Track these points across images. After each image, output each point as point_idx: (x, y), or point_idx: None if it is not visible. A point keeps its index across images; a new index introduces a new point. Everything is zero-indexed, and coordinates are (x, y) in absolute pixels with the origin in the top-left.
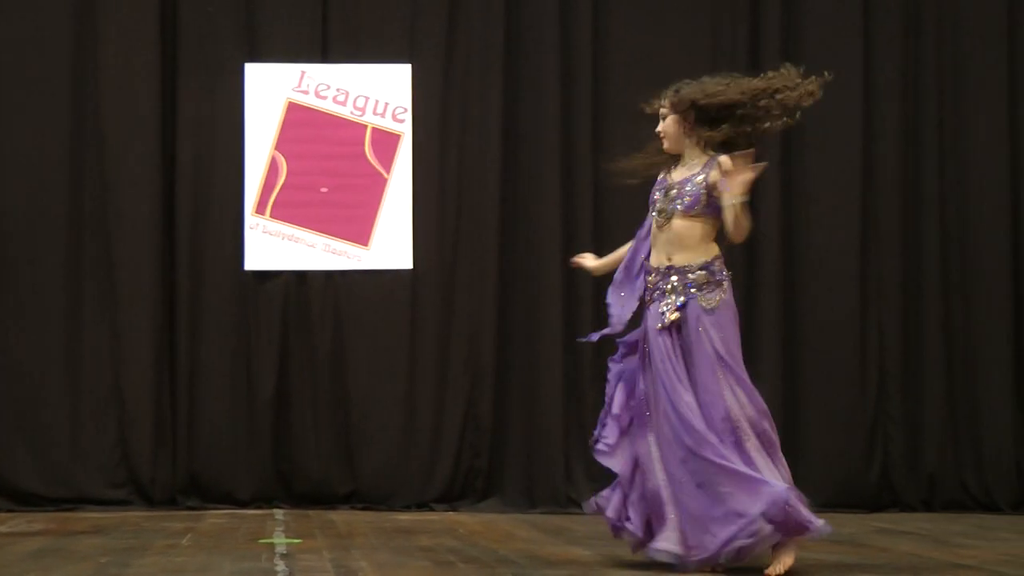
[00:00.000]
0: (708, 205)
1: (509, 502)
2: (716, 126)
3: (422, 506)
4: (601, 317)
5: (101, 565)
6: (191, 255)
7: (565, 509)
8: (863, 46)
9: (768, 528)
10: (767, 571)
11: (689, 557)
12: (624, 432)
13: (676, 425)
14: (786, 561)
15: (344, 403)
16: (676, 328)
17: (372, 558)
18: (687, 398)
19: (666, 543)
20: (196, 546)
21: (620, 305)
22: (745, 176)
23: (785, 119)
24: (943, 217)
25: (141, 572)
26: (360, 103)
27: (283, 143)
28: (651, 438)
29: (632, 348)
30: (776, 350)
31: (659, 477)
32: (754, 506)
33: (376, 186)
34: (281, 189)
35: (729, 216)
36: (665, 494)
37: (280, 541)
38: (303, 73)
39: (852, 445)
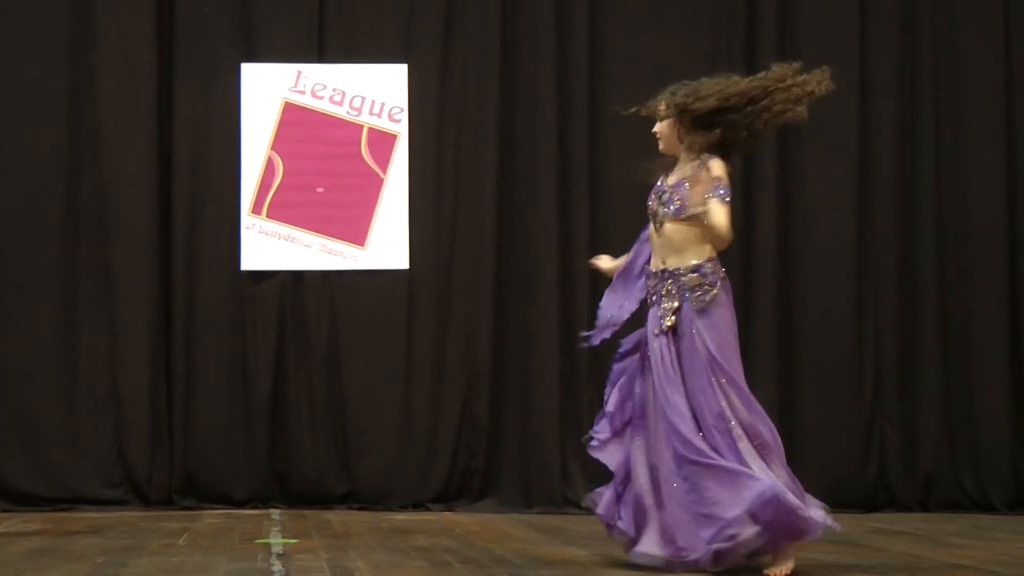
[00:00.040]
0: None
1: (505, 502)
2: (710, 129)
3: (418, 506)
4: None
5: (97, 565)
6: (187, 255)
7: (561, 509)
8: (859, 44)
9: (751, 530)
10: (766, 571)
11: (678, 558)
12: (618, 431)
13: (667, 429)
14: (787, 563)
15: (340, 403)
16: (673, 332)
17: (368, 558)
18: (678, 403)
19: (646, 546)
20: (192, 546)
21: (617, 306)
22: (691, 191)
23: (792, 111)
24: (939, 215)
25: (137, 572)
26: (356, 103)
27: (279, 143)
28: (639, 442)
29: (634, 348)
30: (772, 349)
31: (642, 482)
32: (733, 508)
33: (372, 186)
34: (277, 189)
35: (704, 222)
36: (648, 500)
37: (276, 541)
38: (299, 73)
39: (848, 445)
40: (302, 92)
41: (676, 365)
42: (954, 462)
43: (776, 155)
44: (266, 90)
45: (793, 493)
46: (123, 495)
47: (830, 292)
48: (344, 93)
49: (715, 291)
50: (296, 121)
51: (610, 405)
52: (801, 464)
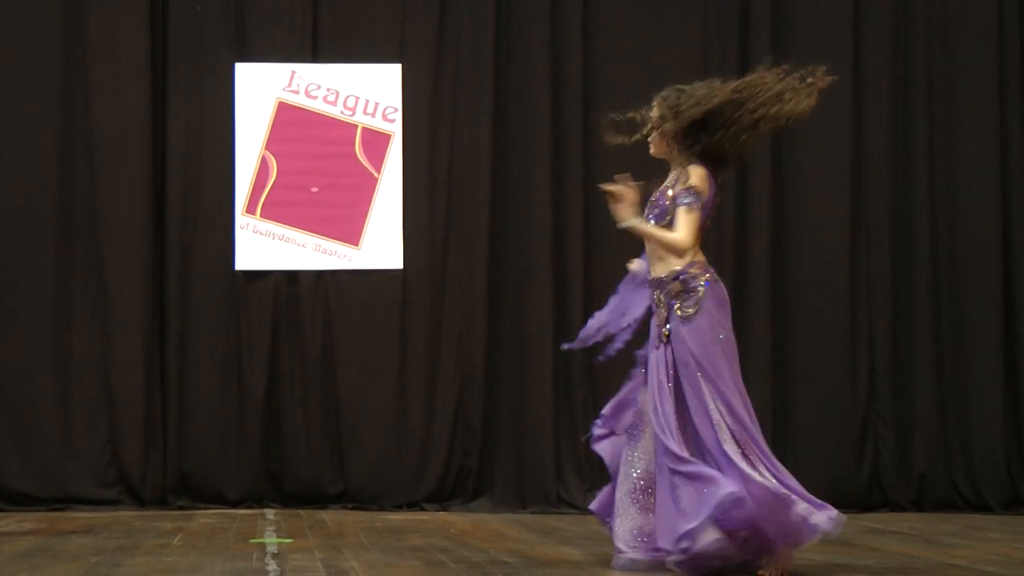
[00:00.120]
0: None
1: (499, 502)
2: (697, 138)
3: (413, 506)
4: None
5: (91, 565)
6: (181, 255)
7: (555, 509)
8: (853, 46)
9: (710, 536)
10: (759, 572)
11: (657, 560)
12: (614, 431)
13: (657, 437)
14: (781, 566)
15: (334, 403)
16: (667, 340)
17: (363, 558)
18: (669, 413)
19: (625, 546)
20: (187, 546)
21: (618, 314)
22: (614, 206)
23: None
24: (933, 216)
25: (132, 572)
26: (350, 103)
27: (273, 143)
28: (632, 448)
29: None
30: (766, 350)
31: (622, 491)
32: (695, 517)
33: (366, 186)
34: (271, 189)
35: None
36: (621, 507)
37: (271, 541)
38: (293, 73)
39: (842, 445)
40: (296, 92)
41: (670, 374)
42: (948, 462)
43: (770, 156)
44: (260, 90)
45: (779, 495)
46: (117, 495)
47: (824, 293)
48: (338, 93)
49: (699, 296)
50: (290, 121)
51: (606, 408)
52: (796, 464)
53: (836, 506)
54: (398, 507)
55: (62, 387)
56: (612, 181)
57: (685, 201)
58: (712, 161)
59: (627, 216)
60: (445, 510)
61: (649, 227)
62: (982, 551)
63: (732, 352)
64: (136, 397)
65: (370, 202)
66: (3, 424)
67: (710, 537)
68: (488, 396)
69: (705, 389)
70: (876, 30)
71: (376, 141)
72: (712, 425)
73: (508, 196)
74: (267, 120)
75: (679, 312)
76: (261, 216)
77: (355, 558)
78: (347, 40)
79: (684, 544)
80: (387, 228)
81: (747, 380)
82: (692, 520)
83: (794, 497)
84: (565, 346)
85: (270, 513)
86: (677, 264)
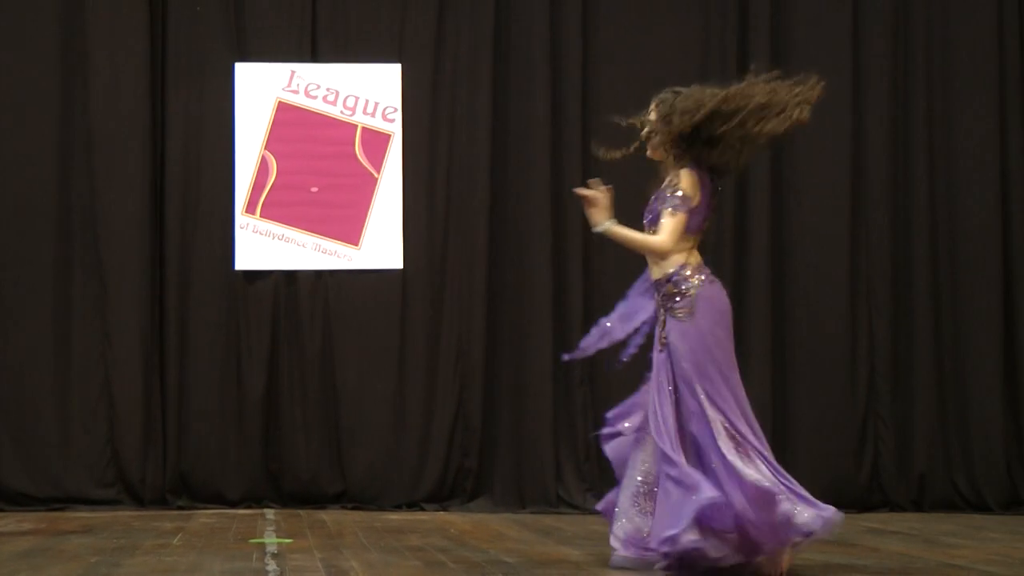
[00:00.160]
0: None
1: (499, 502)
2: (685, 148)
3: (412, 506)
4: (591, 318)
5: (91, 565)
6: (181, 255)
7: (555, 509)
8: (852, 46)
9: (690, 537)
10: (757, 573)
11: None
12: (621, 432)
13: (655, 438)
14: (778, 566)
15: (334, 403)
16: (666, 342)
17: (362, 558)
18: (667, 416)
19: (614, 541)
20: (186, 546)
21: (625, 319)
22: (588, 210)
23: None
24: (933, 215)
25: (131, 572)
26: (350, 103)
27: (273, 143)
28: (640, 449)
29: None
30: (766, 349)
31: (625, 493)
32: (679, 520)
33: (366, 186)
34: (271, 189)
35: None
36: (622, 508)
37: (271, 541)
38: (293, 73)
39: (842, 445)
40: (296, 92)
41: (669, 376)
42: (948, 462)
43: (770, 155)
44: (260, 90)
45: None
46: (116, 495)
47: (824, 292)
48: (338, 93)
49: (691, 297)
50: (290, 121)
51: (610, 412)
52: (795, 464)
53: (836, 506)
54: (397, 507)
55: (61, 387)
56: (608, 180)
57: (670, 204)
58: (706, 168)
59: (600, 220)
60: (445, 510)
61: (624, 231)
62: (982, 551)
63: (729, 351)
64: (135, 397)
65: (370, 202)
66: (2, 424)
67: (690, 540)
68: (487, 396)
69: (700, 389)
70: (876, 30)
71: (376, 141)
72: (708, 423)
73: (508, 196)
74: (267, 120)
75: (672, 315)
76: (261, 216)
77: (355, 558)
78: (346, 40)
79: (666, 548)
80: (387, 228)
81: (747, 380)
82: (675, 523)
83: (781, 496)
84: (566, 357)
85: (270, 513)
86: (670, 267)
